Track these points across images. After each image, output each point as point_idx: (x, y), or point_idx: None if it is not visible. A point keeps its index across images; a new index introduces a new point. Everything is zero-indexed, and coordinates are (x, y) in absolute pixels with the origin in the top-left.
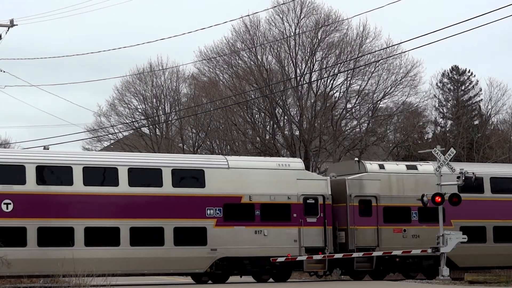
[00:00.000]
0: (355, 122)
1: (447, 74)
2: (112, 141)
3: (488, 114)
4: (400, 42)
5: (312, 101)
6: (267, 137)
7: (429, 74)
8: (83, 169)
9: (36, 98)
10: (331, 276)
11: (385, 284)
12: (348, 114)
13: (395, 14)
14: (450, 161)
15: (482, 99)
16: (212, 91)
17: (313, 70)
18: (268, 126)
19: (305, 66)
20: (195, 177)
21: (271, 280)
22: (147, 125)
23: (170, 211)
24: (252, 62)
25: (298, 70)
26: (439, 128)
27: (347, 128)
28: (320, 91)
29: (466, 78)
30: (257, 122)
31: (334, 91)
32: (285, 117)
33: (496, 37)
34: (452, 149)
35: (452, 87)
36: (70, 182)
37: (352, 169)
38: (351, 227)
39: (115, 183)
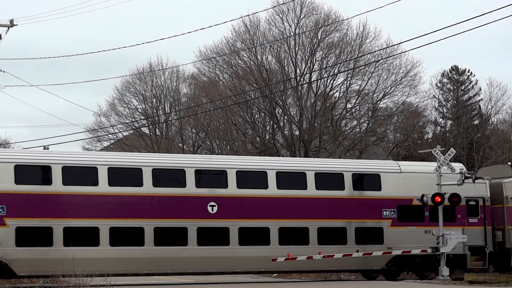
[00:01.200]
0: (355, 122)
1: (447, 74)
2: (112, 141)
3: (488, 114)
4: (400, 42)
5: (312, 101)
6: (267, 137)
7: (429, 74)
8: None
9: (36, 98)
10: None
11: (385, 284)
12: (348, 114)
13: (395, 14)
14: (450, 161)
15: (482, 99)
16: (212, 91)
17: (313, 70)
18: (268, 126)
19: (305, 66)
20: (372, 181)
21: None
22: (147, 125)
23: (351, 212)
24: (252, 62)
25: (298, 70)
26: (439, 128)
27: (347, 128)
28: (320, 91)
29: (466, 78)
30: (257, 122)
31: (334, 91)
32: (285, 117)
33: (496, 37)
34: (452, 149)
35: (452, 87)
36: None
37: (505, 173)
38: (508, 227)
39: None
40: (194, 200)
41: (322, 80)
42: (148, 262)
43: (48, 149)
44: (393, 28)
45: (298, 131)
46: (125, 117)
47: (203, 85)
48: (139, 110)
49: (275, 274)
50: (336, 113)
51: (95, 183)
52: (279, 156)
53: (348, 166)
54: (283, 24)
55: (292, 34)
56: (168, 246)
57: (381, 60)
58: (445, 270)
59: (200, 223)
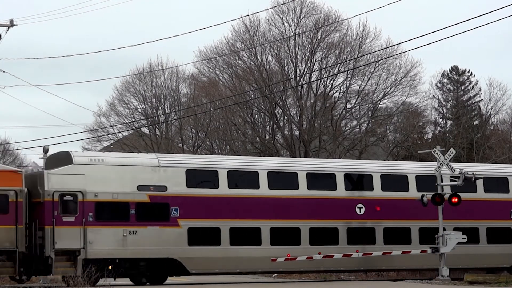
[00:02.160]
0: (355, 122)
1: (446, 74)
2: (111, 141)
3: (488, 114)
4: (400, 42)
5: (312, 101)
6: (267, 137)
7: (428, 74)
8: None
9: (36, 98)
10: None
11: (385, 284)
12: (348, 114)
13: (395, 14)
14: (450, 161)
15: (482, 99)
16: (212, 91)
17: (313, 70)
18: (268, 126)
19: (305, 66)
20: (501, 184)
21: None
22: (147, 125)
23: (482, 213)
24: (252, 62)
25: (298, 70)
26: (438, 128)
27: (347, 128)
28: (320, 91)
29: (465, 78)
30: (256, 122)
31: (334, 91)
32: (285, 117)
33: (496, 37)
34: (452, 149)
35: (451, 87)
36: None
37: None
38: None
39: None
40: (344, 203)
41: (322, 80)
42: (306, 261)
43: (47, 149)
44: (393, 28)
45: (298, 131)
46: (125, 117)
47: (203, 85)
48: (139, 110)
49: (275, 274)
50: (336, 113)
51: (256, 186)
52: (278, 156)
53: (479, 170)
54: (283, 24)
55: (292, 34)
56: (321, 246)
57: (381, 60)
58: (445, 270)
59: (349, 223)
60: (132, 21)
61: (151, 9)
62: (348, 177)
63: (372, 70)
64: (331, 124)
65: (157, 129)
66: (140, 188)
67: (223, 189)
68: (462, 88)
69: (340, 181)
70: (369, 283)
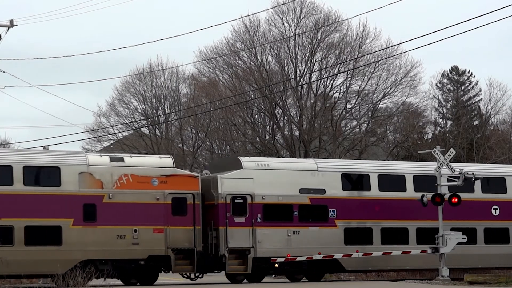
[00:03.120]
0: (355, 123)
1: (446, 74)
2: (111, 142)
3: (487, 115)
4: (400, 43)
5: (312, 101)
6: (267, 137)
7: (428, 74)
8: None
9: (36, 99)
10: None
11: (384, 284)
12: (348, 115)
13: (395, 14)
14: (450, 161)
15: (481, 100)
16: (212, 92)
17: (313, 71)
18: (268, 127)
19: (305, 67)
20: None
21: None
22: (146, 125)
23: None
24: (252, 63)
25: (298, 71)
26: (438, 128)
27: (347, 128)
28: (320, 91)
29: (465, 78)
30: (256, 122)
31: (334, 92)
32: (285, 117)
33: (496, 38)
34: (452, 149)
35: (451, 88)
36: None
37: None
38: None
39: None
40: (480, 204)
41: (322, 81)
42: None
43: (48, 149)
44: (393, 29)
45: (298, 132)
46: (125, 117)
47: (203, 86)
48: (139, 110)
49: (274, 275)
50: (336, 114)
51: (403, 189)
52: (278, 156)
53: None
54: (283, 24)
55: (292, 34)
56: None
57: (381, 61)
58: (445, 270)
59: (486, 224)
60: (132, 21)
61: (151, 9)
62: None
63: (372, 70)
64: (331, 124)
65: (157, 129)
66: (302, 191)
67: (374, 192)
68: (462, 88)
69: None
70: (369, 283)
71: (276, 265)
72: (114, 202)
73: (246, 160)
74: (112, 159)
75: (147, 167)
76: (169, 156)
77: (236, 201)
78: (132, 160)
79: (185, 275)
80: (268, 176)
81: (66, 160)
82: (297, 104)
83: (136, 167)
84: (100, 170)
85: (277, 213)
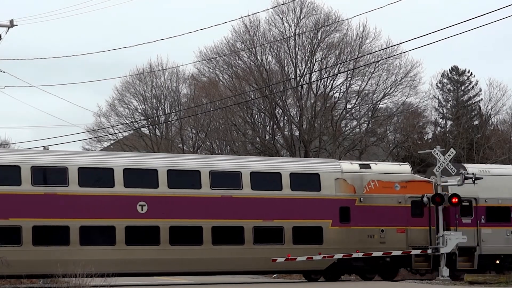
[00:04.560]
0: (355, 123)
1: (446, 74)
2: (112, 142)
3: (488, 115)
4: (400, 43)
5: (312, 101)
6: (267, 137)
7: (429, 74)
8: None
9: (36, 99)
10: None
11: (384, 284)
12: (348, 115)
13: (395, 14)
14: (450, 161)
15: (482, 100)
16: (212, 92)
17: (313, 71)
18: (268, 127)
19: (305, 67)
20: None
21: None
22: (147, 125)
23: None
24: (252, 63)
25: (298, 71)
26: (439, 128)
27: (347, 128)
28: (320, 91)
29: (465, 78)
30: (257, 122)
31: (334, 92)
32: (285, 117)
33: (496, 38)
34: (452, 149)
35: (452, 88)
36: None
37: None
38: None
39: None
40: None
41: (322, 81)
42: None
43: (48, 149)
44: (393, 29)
45: (298, 132)
46: (125, 117)
47: (203, 86)
48: (139, 110)
49: (275, 275)
50: (336, 114)
51: None
52: (278, 156)
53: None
54: (283, 24)
55: (292, 34)
56: None
57: (381, 61)
58: (445, 271)
59: None
60: (132, 21)
61: (151, 9)
62: None
63: (372, 70)
64: (331, 125)
65: (157, 130)
66: None
67: None
68: (462, 88)
69: None
70: (369, 283)
71: (497, 261)
72: (364, 205)
73: (470, 167)
74: (361, 166)
75: (390, 173)
76: (406, 163)
77: (463, 204)
78: (377, 167)
79: (416, 271)
80: (488, 181)
81: (324, 167)
82: (297, 104)
83: (381, 174)
84: (352, 176)
85: (497, 215)
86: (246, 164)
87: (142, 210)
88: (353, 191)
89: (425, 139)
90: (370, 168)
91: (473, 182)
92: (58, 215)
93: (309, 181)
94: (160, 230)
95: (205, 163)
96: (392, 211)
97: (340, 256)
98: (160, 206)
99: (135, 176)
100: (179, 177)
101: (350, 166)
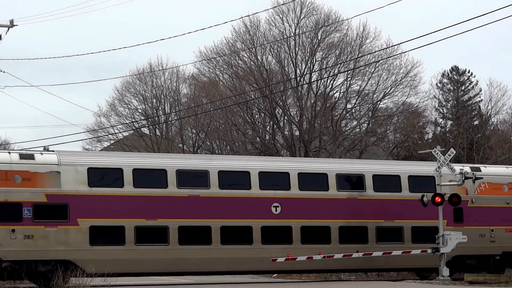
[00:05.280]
0: (355, 123)
1: (447, 74)
2: (112, 142)
3: (488, 115)
4: (400, 43)
5: (312, 101)
6: (267, 137)
7: (429, 74)
8: None
9: (36, 99)
10: None
11: (385, 284)
12: (348, 115)
13: (395, 14)
14: (450, 161)
15: (482, 100)
16: (212, 92)
17: (313, 71)
18: (268, 127)
19: (305, 67)
20: None
21: None
22: (147, 125)
23: None
24: (252, 62)
25: (298, 71)
26: (439, 128)
27: (347, 128)
28: (320, 91)
29: (466, 78)
30: (257, 122)
31: (334, 92)
32: (285, 117)
33: (496, 37)
34: (452, 149)
35: (452, 88)
36: None
37: None
38: None
39: None
40: None
41: (322, 81)
42: None
43: (48, 150)
44: (393, 29)
45: (298, 132)
46: (125, 117)
47: (203, 86)
48: (139, 110)
49: (275, 275)
50: (336, 114)
51: None
52: (278, 156)
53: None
54: (283, 24)
55: (292, 34)
56: None
57: (381, 61)
58: (445, 270)
59: None
60: (132, 21)
61: (151, 9)
62: None
63: (372, 70)
64: (331, 124)
65: (157, 130)
66: None
67: None
68: (462, 88)
69: None
70: (369, 283)
71: None
72: (476, 206)
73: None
74: (472, 169)
75: (499, 176)
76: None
77: None
78: (487, 170)
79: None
80: None
81: None
82: (297, 104)
83: (491, 176)
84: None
85: None
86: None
87: (276, 211)
88: (465, 192)
89: (425, 139)
90: (481, 171)
91: (473, 182)
92: (200, 216)
93: (428, 183)
94: (292, 230)
95: (331, 166)
96: (501, 211)
97: (340, 256)
98: (292, 207)
99: (269, 179)
100: (308, 179)
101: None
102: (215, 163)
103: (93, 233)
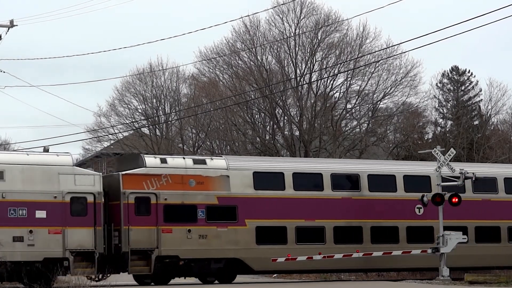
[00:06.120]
0: (355, 123)
1: (447, 74)
2: (112, 142)
3: (488, 115)
4: (400, 43)
5: (312, 101)
6: (267, 137)
7: (429, 74)
8: None
9: (37, 99)
10: None
11: (385, 284)
12: (348, 115)
13: (395, 14)
14: (450, 161)
15: (482, 100)
16: (212, 92)
17: (313, 71)
18: (268, 127)
19: (305, 67)
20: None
21: None
22: (147, 125)
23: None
24: (252, 63)
25: (298, 71)
26: (439, 128)
27: (347, 128)
28: (320, 91)
29: (466, 78)
30: (257, 122)
31: (334, 92)
32: (285, 117)
33: (496, 37)
34: (452, 149)
35: (452, 88)
36: None
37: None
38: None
39: None
40: None
41: (322, 81)
42: None
43: (48, 150)
44: (393, 29)
45: (298, 132)
46: (125, 117)
47: (203, 86)
48: (139, 110)
49: (275, 275)
50: (336, 114)
51: None
52: (279, 156)
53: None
54: (283, 24)
55: (292, 34)
56: None
57: (381, 61)
58: (445, 270)
59: None
60: (132, 21)
61: (151, 9)
62: None
63: (372, 70)
64: (331, 124)
65: (157, 130)
66: None
67: None
68: (462, 88)
69: None
70: (369, 283)
71: None
72: None
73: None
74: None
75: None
76: None
77: None
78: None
79: None
80: None
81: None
82: (297, 104)
83: None
84: None
85: None
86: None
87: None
88: None
89: (425, 139)
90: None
91: (473, 182)
92: (352, 217)
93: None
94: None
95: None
96: None
97: (340, 256)
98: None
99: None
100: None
101: None
102: (365, 167)
103: (259, 233)
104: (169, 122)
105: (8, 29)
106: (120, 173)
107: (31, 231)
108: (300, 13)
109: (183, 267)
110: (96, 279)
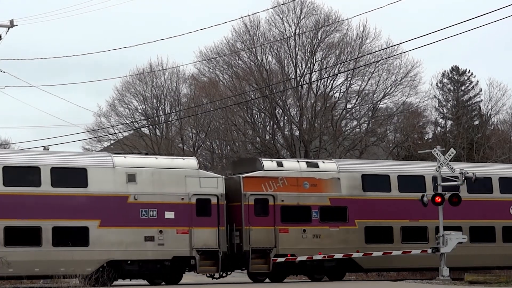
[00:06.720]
0: (355, 123)
1: (447, 74)
2: (112, 142)
3: (488, 115)
4: (400, 43)
5: (312, 101)
6: (267, 137)
7: (429, 74)
8: None
9: (36, 99)
10: None
11: (385, 284)
12: (348, 115)
13: (395, 14)
14: (450, 161)
15: (482, 100)
16: (212, 92)
17: (313, 71)
18: (268, 127)
19: (305, 67)
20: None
21: None
22: (147, 125)
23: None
24: (252, 63)
25: (298, 71)
26: (439, 128)
27: (347, 128)
28: (320, 91)
29: (466, 78)
30: (257, 122)
31: (334, 92)
32: (285, 117)
33: (496, 37)
34: (452, 149)
35: (452, 88)
36: None
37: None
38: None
39: None
40: None
41: (322, 81)
42: None
43: (48, 150)
44: (393, 29)
45: (298, 132)
46: (125, 117)
47: (203, 86)
48: (139, 110)
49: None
50: (336, 114)
51: None
52: (279, 156)
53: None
54: (283, 24)
55: (292, 34)
56: None
57: (381, 61)
58: (445, 270)
59: None
60: (132, 21)
61: (151, 9)
62: None
63: (372, 70)
64: (331, 124)
65: (157, 130)
66: None
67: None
68: (463, 88)
69: None
70: (370, 283)
71: None
72: None
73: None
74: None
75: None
76: None
77: None
78: None
79: None
80: None
81: None
82: (297, 104)
83: None
84: None
85: None
86: None
87: None
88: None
89: (425, 139)
90: None
91: (473, 182)
92: (451, 217)
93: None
94: None
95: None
96: None
97: (340, 256)
98: None
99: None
100: None
101: None
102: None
103: (367, 233)
104: (169, 122)
105: (8, 29)
106: (240, 175)
107: (161, 231)
108: (300, 13)
109: (298, 265)
110: (218, 277)
